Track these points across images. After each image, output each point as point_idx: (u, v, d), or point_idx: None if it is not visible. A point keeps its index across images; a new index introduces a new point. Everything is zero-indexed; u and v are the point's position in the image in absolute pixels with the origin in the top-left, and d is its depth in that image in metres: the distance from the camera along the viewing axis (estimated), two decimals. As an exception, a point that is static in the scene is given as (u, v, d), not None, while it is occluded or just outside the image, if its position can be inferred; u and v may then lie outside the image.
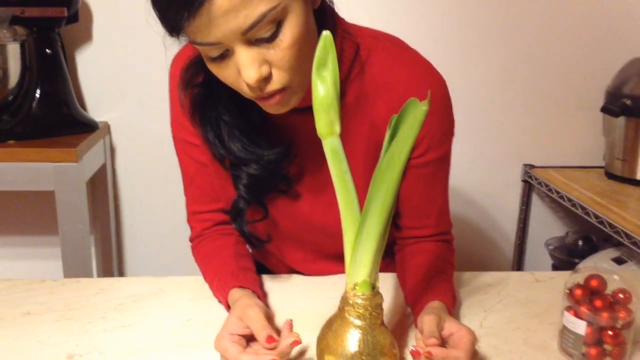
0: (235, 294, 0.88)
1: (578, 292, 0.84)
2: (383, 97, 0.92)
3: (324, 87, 0.71)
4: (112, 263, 1.79)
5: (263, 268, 1.17)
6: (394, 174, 0.70)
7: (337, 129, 0.72)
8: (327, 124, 0.72)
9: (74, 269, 1.52)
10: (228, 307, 0.89)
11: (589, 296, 0.84)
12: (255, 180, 0.92)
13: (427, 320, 0.80)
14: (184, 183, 1.04)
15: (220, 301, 0.94)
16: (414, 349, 0.77)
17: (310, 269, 1.08)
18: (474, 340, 0.78)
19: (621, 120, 1.69)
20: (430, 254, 0.99)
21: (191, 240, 1.06)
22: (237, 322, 0.79)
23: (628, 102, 1.65)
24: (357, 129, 0.94)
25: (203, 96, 0.91)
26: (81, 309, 0.93)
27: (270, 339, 0.76)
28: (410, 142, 0.69)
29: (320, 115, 0.72)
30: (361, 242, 0.73)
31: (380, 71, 0.92)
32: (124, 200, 1.85)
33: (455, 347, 0.77)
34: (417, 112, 0.69)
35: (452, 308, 0.89)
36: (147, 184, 1.84)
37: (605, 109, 1.70)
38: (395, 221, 1.04)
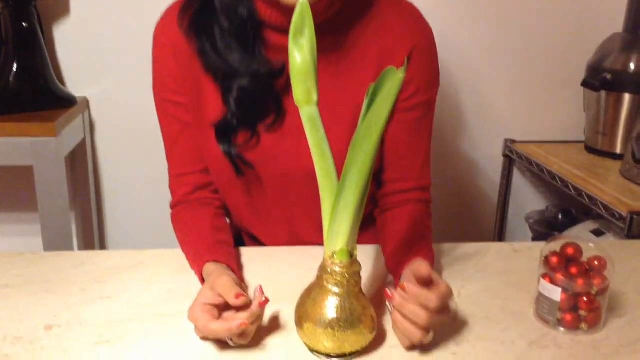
0: (209, 267, 0.88)
1: (554, 259, 0.86)
2: (377, 40, 0.97)
3: (300, 55, 0.71)
4: (93, 239, 1.78)
5: (241, 240, 1.17)
6: (372, 142, 0.70)
7: (315, 97, 0.72)
8: (304, 92, 0.72)
9: (54, 245, 1.51)
10: (203, 281, 0.89)
11: (564, 263, 0.86)
12: (247, 94, 0.93)
13: (407, 271, 0.82)
14: (166, 147, 1.04)
15: (196, 274, 0.94)
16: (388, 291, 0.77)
17: (292, 233, 1.08)
18: (449, 292, 0.77)
19: (602, 95, 1.70)
20: (410, 220, 1.00)
21: (171, 207, 1.06)
22: (208, 292, 0.79)
23: (608, 76, 1.66)
24: (357, 62, 0.97)
25: (203, 6, 0.94)
26: (60, 282, 0.92)
27: (238, 295, 0.76)
28: (387, 110, 0.69)
29: (298, 84, 0.72)
30: (339, 211, 0.73)
31: (380, 14, 0.98)
32: (105, 176, 1.84)
33: (429, 290, 0.77)
34: (394, 80, 0.69)
35: (432, 265, 0.90)
36: (128, 159, 1.83)
37: (585, 84, 1.71)
38: (377, 179, 1.06)
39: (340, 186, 0.72)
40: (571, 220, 1.79)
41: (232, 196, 1.06)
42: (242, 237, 1.17)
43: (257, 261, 1.01)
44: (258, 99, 0.95)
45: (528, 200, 2.03)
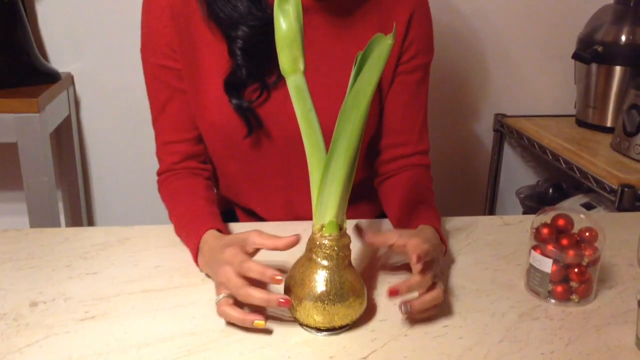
0: (213, 234, 0.86)
1: (545, 230, 0.85)
2: (377, 4, 0.98)
3: (286, 22, 0.69)
4: (81, 217, 1.76)
5: (233, 216, 1.16)
6: (360, 112, 0.68)
7: (301, 65, 0.70)
8: (290, 60, 0.70)
9: (41, 223, 1.49)
10: (195, 247, 0.87)
11: (555, 235, 0.85)
12: (253, 43, 0.92)
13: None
14: (153, 114, 1.02)
15: (185, 240, 0.92)
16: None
17: (288, 204, 1.07)
18: (422, 246, 0.77)
19: (592, 67, 1.68)
20: (411, 185, 1.01)
21: (158, 174, 1.04)
22: (240, 254, 0.77)
23: (599, 48, 1.64)
24: (359, 27, 0.97)
25: None
26: (45, 258, 0.91)
27: (274, 277, 0.73)
28: (376, 78, 0.67)
29: (284, 51, 0.70)
30: (327, 183, 0.72)
31: None
32: (91, 153, 1.81)
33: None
34: (382, 48, 0.68)
35: (440, 229, 0.89)
36: (114, 136, 1.80)
37: (576, 56, 1.69)
38: (376, 148, 1.06)
39: (328, 157, 0.71)
40: (562, 195, 1.78)
41: (228, 165, 1.04)
42: (234, 213, 1.16)
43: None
44: (265, 50, 0.90)
45: (519, 175, 2.03)
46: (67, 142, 1.69)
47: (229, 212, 1.15)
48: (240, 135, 0.97)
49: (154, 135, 1.03)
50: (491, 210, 2.00)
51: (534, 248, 0.84)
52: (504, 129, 1.88)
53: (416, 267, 0.75)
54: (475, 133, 1.98)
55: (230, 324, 0.75)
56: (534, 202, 1.79)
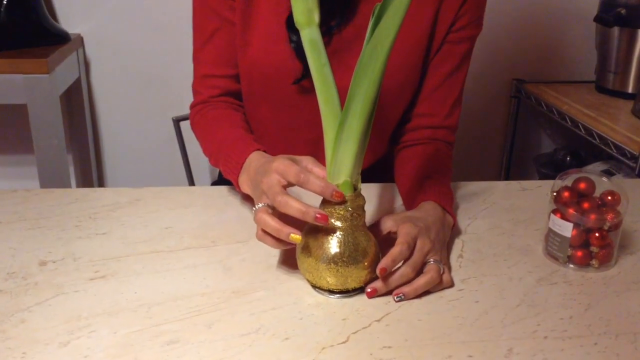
0: (261, 154, 0.84)
1: (565, 194, 0.82)
2: None
3: (300, -29, 0.66)
4: (92, 180, 1.75)
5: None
6: (377, 66, 0.66)
7: (316, 18, 0.67)
8: (304, 12, 0.67)
9: (51, 186, 1.48)
10: (239, 166, 0.84)
11: (576, 198, 0.82)
12: None
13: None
14: (196, 44, 1.00)
15: (225, 162, 0.88)
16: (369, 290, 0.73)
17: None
18: (410, 231, 0.74)
19: (614, 31, 1.63)
20: (426, 158, 0.98)
21: (192, 106, 1.02)
22: (292, 164, 0.72)
23: (622, 11, 1.59)
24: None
25: None
26: (54, 218, 0.90)
27: (337, 193, 0.70)
28: (394, 32, 0.64)
29: (297, 3, 0.67)
30: (342, 141, 0.69)
31: None
32: (101, 116, 1.80)
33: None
34: (401, 0, 0.64)
35: (449, 206, 0.86)
36: (124, 98, 1.78)
37: (598, 19, 1.64)
38: (405, 116, 1.03)
39: (343, 114, 0.68)
40: (579, 162, 1.75)
41: (260, 110, 1.02)
42: None
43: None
44: None
45: (535, 142, 1.99)
46: (77, 104, 1.68)
47: None
48: (286, 79, 0.94)
49: (193, 66, 1.01)
50: (507, 178, 1.97)
51: (554, 212, 0.82)
52: (521, 95, 1.84)
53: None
54: (492, 99, 1.94)
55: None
56: (551, 170, 1.76)
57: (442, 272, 0.74)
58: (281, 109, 1.00)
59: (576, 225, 0.79)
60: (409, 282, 0.73)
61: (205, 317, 0.69)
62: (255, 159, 0.83)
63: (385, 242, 0.77)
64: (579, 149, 1.81)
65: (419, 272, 0.74)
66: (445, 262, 0.77)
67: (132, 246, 0.83)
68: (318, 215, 0.69)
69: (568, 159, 1.77)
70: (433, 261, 0.75)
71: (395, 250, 0.73)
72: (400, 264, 0.73)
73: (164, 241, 0.84)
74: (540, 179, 1.84)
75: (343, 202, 0.70)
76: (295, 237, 0.69)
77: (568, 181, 0.85)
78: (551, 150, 1.92)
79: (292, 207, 0.69)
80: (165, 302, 0.71)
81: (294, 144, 1.04)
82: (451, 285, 0.76)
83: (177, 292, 0.73)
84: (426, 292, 0.74)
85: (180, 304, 0.71)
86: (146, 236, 0.86)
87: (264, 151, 0.86)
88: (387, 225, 0.79)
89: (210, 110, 1.00)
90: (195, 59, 1.01)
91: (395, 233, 0.77)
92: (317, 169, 0.74)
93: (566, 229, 0.80)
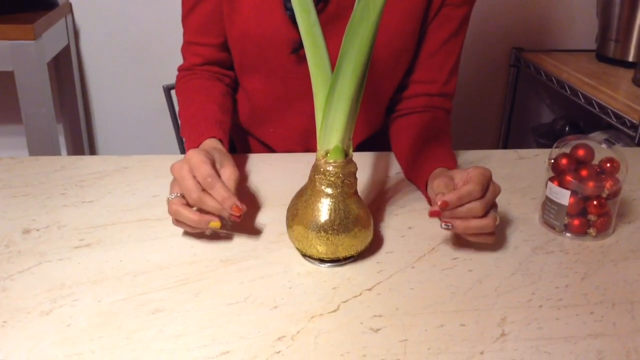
0: (213, 142, 0.84)
1: (563, 161, 0.80)
2: None
3: None
4: (83, 150, 1.72)
5: (247, 146, 1.12)
6: (369, 25, 0.63)
7: (304, -26, 0.64)
8: (293, -33, 0.64)
9: (40, 155, 1.45)
10: (194, 146, 0.84)
11: (574, 165, 0.80)
12: None
13: (435, 184, 0.75)
14: (183, 10, 0.98)
15: (186, 142, 0.88)
16: (433, 210, 0.70)
17: (306, 132, 1.02)
18: (485, 172, 0.72)
19: (617, -2, 1.60)
20: (424, 126, 0.95)
21: (179, 70, 1.03)
22: (207, 166, 0.72)
23: (626, -23, 1.55)
24: None
25: None
26: (40, 186, 0.87)
27: (237, 209, 0.70)
28: (386, -11, 0.61)
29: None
30: (332, 105, 0.67)
31: None
32: (92, 85, 1.76)
33: (467, 183, 0.71)
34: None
35: (456, 168, 0.84)
36: (115, 66, 1.74)
37: (601, -15, 1.60)
38: (402, 83, 1.00)
39: (334, 77, 0.65)
40: (578, 132, 1.73)
41: (252, 81, 1.00)
42: (247, 142, 1.12)
43: (245, 167, 0.96)
44: None
45: (534, 112, 1.97)
46: (66, 72, 1.64)
47: (244, 141, 1.11)
48: (280, 49, 0.92)
49: (182, 30, 1.00)
50: (504, 148, 1.95)
51: (551, 179, 0.80)
52: (520, 64, 1.80)
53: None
54: (490, 68, 1.91)
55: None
56: (549, 140, 1.74)
57: (497, 221, 0.71)
58: (275, 79, 0.97)
59: (574, 193, 0.77)
60: (477, 214, 0.69)
61: (192, 286, 0.67)
62: (207, 145, 0.82)
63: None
64: (578, 119, 1.78)
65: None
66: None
67: (118, 214, 0.81)
68: (234, 207, 0.68)
69: (567, 128, 1.75)
70: (493, 211, 0.72)
71: (465, 189, 0.69)
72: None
73: (151, 209, 0.82)
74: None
75: (239, 218, 0.69)
76: (215, 224, 0.70)
77: (566, 148, 0.82)
78: (550, 120, 1.90)
79: (209, 204, 0.69)
80: (151, 271, 0.69)
81: (288, 115, 1.02)
82: (492, 241, 0.73)
83: (164, 261, 0.71)
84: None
85: (166, 272, 0.69)
86: (133, 204, 0.83)
87: (221, 140, 0.85)
88: (457, 179, 0.74)
89: (192, 79, 0.99)
90: (183, 24, 1.00)
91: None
92: (228, 174, 0.73)
93: (563, 197, 0.78)
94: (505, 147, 1.95)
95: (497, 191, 0.72)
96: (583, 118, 1.76)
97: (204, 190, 0.70)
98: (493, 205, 0.72)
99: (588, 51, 1.80)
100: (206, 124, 0.88)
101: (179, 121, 0.96)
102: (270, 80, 0.98)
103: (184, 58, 1.02)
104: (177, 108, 1.33)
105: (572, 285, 0.69)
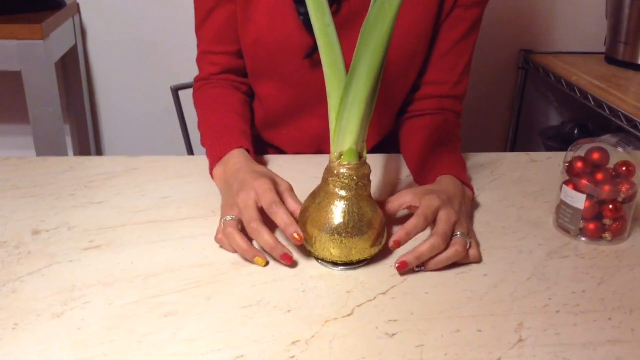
0: (243, 153, 0.83)
1: (579, 164, 0.79)
2: None
3: None
4: (89, 151, 1.72)
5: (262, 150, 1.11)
6: (384, 27, 0.62)
7: (321, -26, 0.63)
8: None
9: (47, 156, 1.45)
10: (219, 157, 0.84)
11: (590, 169, 0.79)
12: None
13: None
14: (196, 20, 0.98)
15: (209, 149, 0.87)
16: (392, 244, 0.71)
17: (317, 137, 1.02)
18: (431, 203, 0.72)
19: (627, 0, 1.58)
20: (434, 128, 0.95)
21: (196, 80, 1.02)
22: (270, 184, 0.73)
23: (636, -21, 1.54)
24: None
25: None
26: (48, 186, 0.87)
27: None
28: (403, -12, 0.60)
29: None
30: (347, 107, 0.66)
31: None
32: (99, 84, 1.76)
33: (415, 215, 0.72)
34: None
35: (463, 175, 0.83)
36: (122, 66, 1.74)
37: (610, -13, 1.59)
38: (414, 84, 1.00)
39: (349, 78, 0.65)
40: (588, 136, 1.72)
41: (265, 87, 0.99)
42: (258, 145, 1.11)
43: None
44: None
45: (542, 115, 1.95)
46: (74, 72, 1.64)
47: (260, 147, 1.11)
48: (294, 55, 0.91)
49: (196, 42, 1.00)
50: (512, 151, 1.94)
51: (566, 183, 0.79)
52: (529, 67, 1.79)
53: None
54: (498, 70, 1.90)
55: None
56: (557, 143, 1.73)
57: (468, 246, 0.71)
58: (288, 85, 0.97)
59: (589, 197, 0.76)
60: (440, 254, 0.70)
61: (203, 289, 0.66)
62: (238, 157, 0.82)
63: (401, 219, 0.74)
64: (587, 122, 1.77)
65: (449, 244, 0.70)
66: (472, 235, 0.74)
67: (128, 216, 0.80)
68: (284, 255, 0.69)
69: (576, 131, 1.74)
70: (459, 234, 0.71)
71: (411, 223, 0.70)
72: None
73: (162, 211, 0.82)
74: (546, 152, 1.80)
75: (300, 241, 0.69)
76: (260, 260, 0.70)
77: (581, 152, 0.81)
78: (558, 123, 1.89)
79: (263, 239, 0.69)
80: (162, 274, 0.69)
81: (301, 119, 1.01)
82: (479, 260, 0.72)
83: (175, 264, 0.70)
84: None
85: (177, 275, 0.68)
86: (143, 206, 0.83)
87: (248, 150, 0.85)
88: (407, 199, 0.75)
89: (210, 88, 0.99)
90: (197, 35, 1.00)
91: (415, 207, 0.74)
92: (291, 201, 0.74)
93: (579, 201, 0.77)
94: (512, 149, 1.94)
95: (451, 218, 0.71)
96: (592, 121, 1.75)
97: (263, 227, 0.70)
98: (457, 229, 0.71)
99: (597, 54, 1.79)
100: (232, 133, 0.87)
101: (200, 131, 0.94)
102: (283, 85, 0.97)
103: (200, 68, 1.01)
104: (186, 110, 1.33)
105: (589, 291, 0.68)
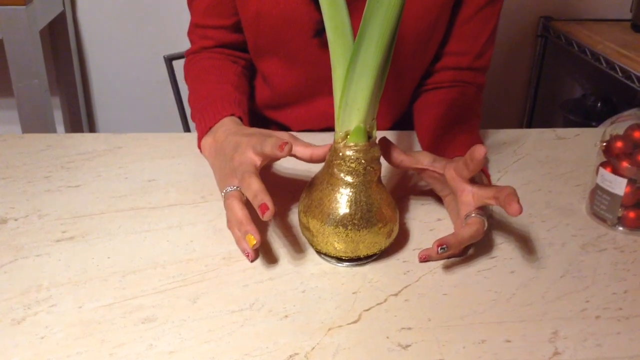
0: (234, 120, 0.75)
1: (618, 144, 0.69)
2: None
3: None
4: (81, 126, 1.63)
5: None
6: (399, -16, 0.52)
7: None
8: None
9: (34, 132, 1.36)
10: (207, 128, 0.76)
11: (631, 149, 0.69)
12: None
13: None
14: None
15: (199, 122, 0.79)
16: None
17: (324, 114, 0.92)
18: (479, 232, 0.62)
19: (658, -38, 1.46)
20: (452, 103, 0.85)
21: (187, 54, 0.93)
22: (261, 140, 0.63)
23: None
24: None
25: None
26: (21, 167, 0.78)
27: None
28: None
29: None
30: (354, 78, 0.57)
31: None
32: (90, 54, 1.66)
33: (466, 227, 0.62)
34: None
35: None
36: (114, 35, 1.64)
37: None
38: (434, 55, 0.90)
39: (356, 45, 0.55)
40: (611, 109, 1.61)
41: (269, 64, 0.90)
42: (261, 125, 1.02)
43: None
44: None
45: (563, 86, 1.84)
46: (62, 41, 1.54)
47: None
48: (300, 30, 0.83)
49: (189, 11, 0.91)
50: (530, 125, 1.84)
51: (603, 165, 0.69)
52: (549, 34, 1.68)
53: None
54: (516, 39, 1.78)
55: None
56: (579, 117, 1.62)
57: (485, 227, 0.62)
58: (295, 63, 0.88)
59: (630, 181, 0.67)
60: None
61: (189, 289, 0.58)
62: (228, 124, 0.73)
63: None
64: (610, 94, 1.66)
65: None
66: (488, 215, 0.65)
67: (108, 201, 0.71)
68: (262, 204, 0.57)
69: (599, 104, 1.63)
70: (475, 214, 0.62)
71: (467, 233, 0.60)
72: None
73: (146, 196, 0.73)
74: (566, 126, 1.70)
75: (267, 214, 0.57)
76: (250, 237, 0.59)
77: (619, 128, 0.72)
78: (579, 95, 1.78)
79: (250, 188, 0.59)
80: (142, 270, 0.60)
81: (312, 101, 0.92)
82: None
83: (158, 258, 0.62)
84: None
85: (160, 272, 0.60)
86: (125, 190, 0.74)
87: (240, 117, 0.76)
88: (425, 160, 0.66)
89: (203, 59, 0.90)
90: (189, 6, 0.91)
91: (433, 174, 0.66)
92: (298, 142, 0.65)
93: (618, 186, 0.68)
94: (530, 123, 1.84)
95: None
96: (616, 93, 1.64)
97: (256, 178, 0.61)
98: (467, 213, 0.63)
99: (622, 21, 1.67)
100: (222, 102, 0.78)
101: (190, 106, 0.85)
102: (290, 63, 0.88)
103: (192, 42, 0.92)
104: (180, 81, 1.24)
105: (632, 291, 0.59)
